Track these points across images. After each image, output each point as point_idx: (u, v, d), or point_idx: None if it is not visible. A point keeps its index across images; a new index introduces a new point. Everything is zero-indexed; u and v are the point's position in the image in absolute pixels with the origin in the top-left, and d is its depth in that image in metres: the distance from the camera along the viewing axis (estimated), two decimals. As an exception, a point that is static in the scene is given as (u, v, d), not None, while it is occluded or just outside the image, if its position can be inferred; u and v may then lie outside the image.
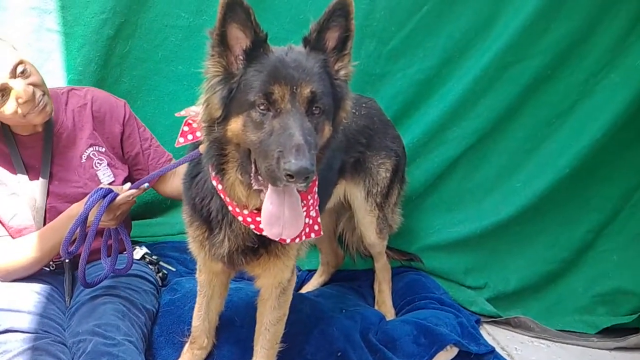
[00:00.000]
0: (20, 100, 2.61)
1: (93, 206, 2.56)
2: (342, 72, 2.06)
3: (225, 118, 1.95)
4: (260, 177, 1.92)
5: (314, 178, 2.18)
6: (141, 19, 3.56)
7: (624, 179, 4.11)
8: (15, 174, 2.81)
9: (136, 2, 3.50)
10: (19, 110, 2.63)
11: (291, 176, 1.72)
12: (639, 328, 3.87)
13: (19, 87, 2.59)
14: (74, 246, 2.62)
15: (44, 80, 2.77)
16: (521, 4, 3.74)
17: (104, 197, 2.58)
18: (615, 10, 3.78)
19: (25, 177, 2.83)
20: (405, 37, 3.80)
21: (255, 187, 1.97)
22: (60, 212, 2.77)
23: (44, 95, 2.72)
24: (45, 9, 3.37)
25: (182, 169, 2.81)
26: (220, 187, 2.10)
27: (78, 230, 2.56)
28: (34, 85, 2.67)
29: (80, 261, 2.60)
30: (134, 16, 3.53)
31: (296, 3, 3.64)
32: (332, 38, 2.01)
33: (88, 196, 2.59)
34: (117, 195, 2.63)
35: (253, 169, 1.94)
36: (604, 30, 3.82)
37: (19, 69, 2.62)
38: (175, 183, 3.20)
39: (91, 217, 2.57)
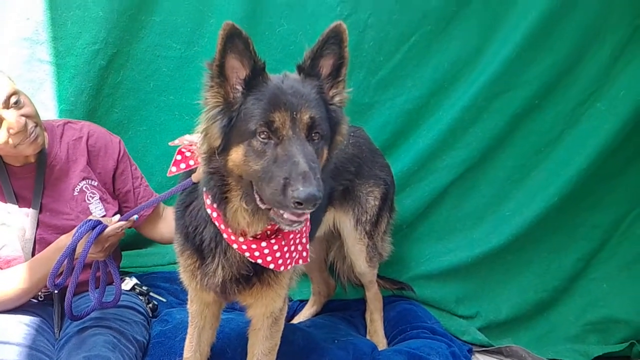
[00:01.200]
0: (11, 131, 2.60)
1: (81, 238, 2.53)
2: (337, 99, 2.08)
3: (225, 148, 1.95)
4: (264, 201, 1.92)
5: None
6: (133, 50, 3.58)
7: (612, 206, 4.13)
8: (5, 202, 2.80)
9: (128, 33, 3.53)
10: (10, 141, 2.63)
11: (300, 203, 1.73)
12: (630, 357, 3.88)
13: (11, 117, 2.59)
14: (61, 278, 2.59)
15: (37, 112, 2.78)
16: (508, 35, 3.79)
17: (93, 228, 2.56)
18: (601, 40, 3.83)
19: (15, 207, 2.81)
20: (393, 67, 3.84)
21: (263, 206, 1.96)
22: (50, 243, 2.74)
23: (36, 126, 2.72)
24: (37, 40, 3.39)
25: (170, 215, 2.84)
26: (215, 214, 2.10)
27: (66, 262, 2.53)
28: (27, 116, 2.67)
29: (67, 294, 2.57)
30: (126, 47, 3.55)
31: (286, 34, 3.68)
32: (326, 65, 2.04)
33: (76, 228, 2.57)
34: (105, 226, 2.61)
35: (257, 198, 1.95)
36: (590, 60, 3.87)
37: (13, 99, 2.62)
38: (161, 227, 3.22)
39: (79, 249, 2.55)
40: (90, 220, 2.59)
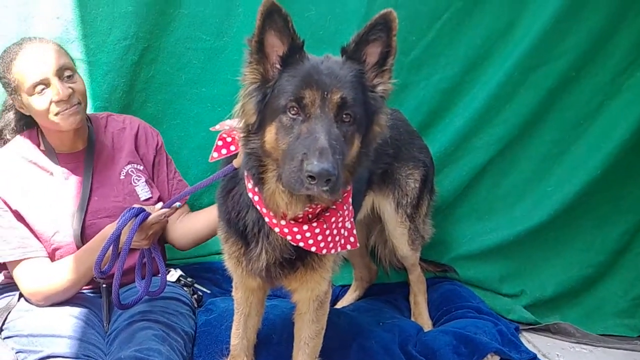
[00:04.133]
0: (55, 98, 2.67)
1: (125, 225, 2.57)
2: (380, 88, 2.05)
3: (260, 126, 1.96)
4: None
5: (349, 188, 2.17)
6: (163, 44, 3.59)
7: (657, 177, 4.04)
8: (56, 185, 2.87)
9: (158, 27, 3.54)
10: (52, 108, 2.70)
11: (313, 177, 1.73)
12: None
13: (59, 85, 2.68)
14: (106, 265, 2.62)
15: (86, 94, 2.86)
16: (541, 7, 3.72)
17: (136, 216, 2.60)
18: (638, 6, 3.73)
19: (66, 190, 2.88)
20: (426, 46, 3.78)
21: None
22: (100, 228, 2.78)
23: (80, 104, 2.79)
24: (68, 38, 3.40)
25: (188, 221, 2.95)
26: (256, 198, 2.10)
27: (111, 249, 2.56)
28: (74, 90, 2.75)
29: (113, 281, 2.61)
30: (156, 41, 3.56)
31: (315, 19, 3.64)
32: (373, 53, 2.01)
33: (120, 216, 2.61)
34: (148, 214, 2.65)
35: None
36: (627, 28, 3.78)
37: (67, 72, 2.74)
38: (178, 227, 3.17)
39: (123, 237, 2.58)
40: (133, 207, 2.64)
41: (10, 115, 2.96)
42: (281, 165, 1.90)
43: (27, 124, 2.96)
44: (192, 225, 3.13)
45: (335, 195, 1.89)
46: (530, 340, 3.62)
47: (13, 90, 2.75)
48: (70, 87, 2.71)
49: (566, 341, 3.68)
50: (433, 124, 3.89)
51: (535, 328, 3.75)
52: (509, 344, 3.19)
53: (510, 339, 3.25)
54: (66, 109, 2.72)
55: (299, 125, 1.86)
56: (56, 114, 2.71)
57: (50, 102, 2.68)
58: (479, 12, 3.77)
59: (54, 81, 2.68)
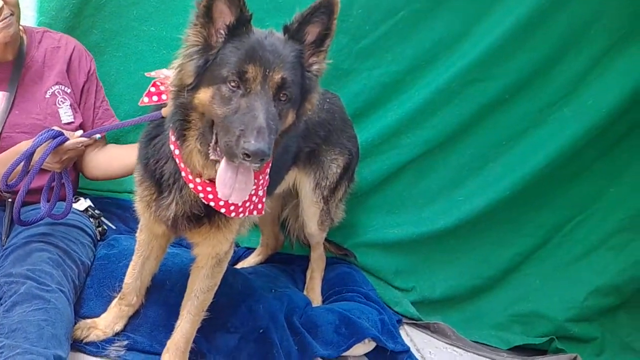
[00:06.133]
0: None
1: (41, 144, 2.54)
2: (315, 67, 2.12)
3: (195, 87, 2.00)
4: (218, 149, 1.98)
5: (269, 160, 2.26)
6: (122, -26, 3.54)
7: (560, 209, 4.32)
8: None
9: (119, -44, 3.48)
10: None
11: (248, 155, 1.79)
12: (547, 350, 4.09)
13: None
14: (13, 180, 2.59)
15: (18, 4, 2.77)
16: (493, 26, 3.85)
17: (54, 138, 2.57)
18: (579, 47, 3.94)
19: None
20: (377, 38, 3.85)
21: (213, 157, 2.02)
22: (14, 143, 2.76)
23: (12, 15, 2.72)
24: (25, -51, 3.32)
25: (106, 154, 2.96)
26: (177, 152, 2.16)
27: (21, 165, 2.54)
28: (5, 2, 2.66)
29: (17, 197, 2.60)
30: (114, -30, 3.51)
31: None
32: (312, 32, 2.08)
33: (37, 135, 2.58)
34: (66, 138, 2.63)
35: (213, 139, 2.00)
36: (566, 65, 3.98)
37: None
38: (94, 159, 3.17)
39: (36, 156, 2.55)
40: (52, 129, 2.60)
41: None
42: (218, 132, 1.95)
43: None
44: (106, 161, 3.14)
45: (261, 167, 1.98)
46: (409, 334, 3.81)
47: None
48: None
49: (441, 341, 3.88)
50: (367, 114, 3.98)
51: (417, 324, 3.93)
52: (388, 333, 3.35)
53: (390, 329, 3.41)
54: None
55: (237, 98, 1.91)
56: None
57: None
58: (433, 18, 3.86)
59: None
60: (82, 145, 2.76)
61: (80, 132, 2.78)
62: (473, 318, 4.21)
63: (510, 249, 4.30)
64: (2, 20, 2.68)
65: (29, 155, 2.53)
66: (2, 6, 2.65)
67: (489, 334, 4.13)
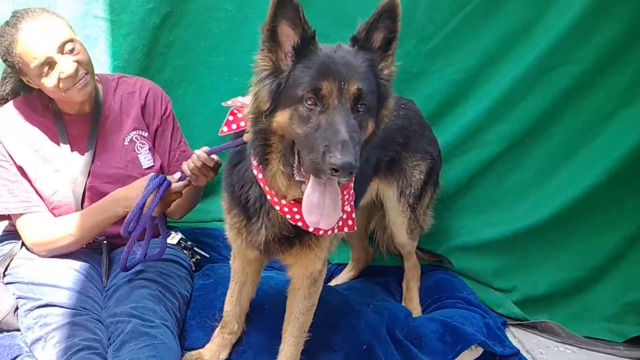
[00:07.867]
0: (62, 75, 2.69)
1: (150, 194, 2.64)
2: (385, 72, 2.10)
3: (272, 111, 2.00)
4: (302, 169, 1.98)
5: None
6: (186, 10, 3.63)
7: (662, 189, 4.06)
8: (59, 147, 2.91)
9: (182, -7, 3.57)
10: (60, 85, 2.72)
11: (336, 170, 1.77)
12: (666, 340, 3.84)
13: (64, 62, 2.69)
14: (130, 226, 2.67)
15: (90, 61, 2.86)
16: (564, 8, 3.71)
17: (159, 185, 2.67)
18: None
19: (68, 151, 2.92)
20: (445, 36, 3.80)
21: (297, 178, 2.03)
22: (100, 192, 2.86)
23: (87, 74, 2.80)
24: (93, -3, 3.45)
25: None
26: (260, 176, 2.17)
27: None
28: (79, 63, 2.75)
29: (127, 245, 2.69)
30: (179, 6, 3.60)
31: (339, 1, 3.65)
32: (377, 38, 2.06)
33: (147, 183, 2.68)
34: (170, 183, 2.71)
35: (296, 160, 2.00)
36: (650, 36, 3.77)
37: (68, 46, 2.72)
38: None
39: (147, 204, 2.66)
40: (157, 176, 2.70)
41: (17, 83, 2.97)
42: (300, 151, 1.95)
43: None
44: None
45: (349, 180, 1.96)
46: (516, 336, 3.69)
47: (19, 71, 2.77)
48: (75, 62, 2.72)
49: (551, 340, 3.74)
50: (444, 114, 3.91)
51: (523, 324, 3.81)
52: (494, 338, 3.26)
53: (496, 332, 3.31)
54: (75, 84, 2.74)
55: (316, 116, 1.91)
56: (66, 90, 2.74)
57: (59, 80, 2.70)
58: (501, 8, 3.76)
59: (58, 59, 2.68)
60: (184, 188, 2.82)
61: (178, 174, 2.79)
62: (582, 312, 4.01)
63: (613, 235, 4.07)
64: (79, 81, 2.76)
65: (142, 205, 2.64)
66: (77, 68, 2.73)
67: (602, 328, 3.94)
